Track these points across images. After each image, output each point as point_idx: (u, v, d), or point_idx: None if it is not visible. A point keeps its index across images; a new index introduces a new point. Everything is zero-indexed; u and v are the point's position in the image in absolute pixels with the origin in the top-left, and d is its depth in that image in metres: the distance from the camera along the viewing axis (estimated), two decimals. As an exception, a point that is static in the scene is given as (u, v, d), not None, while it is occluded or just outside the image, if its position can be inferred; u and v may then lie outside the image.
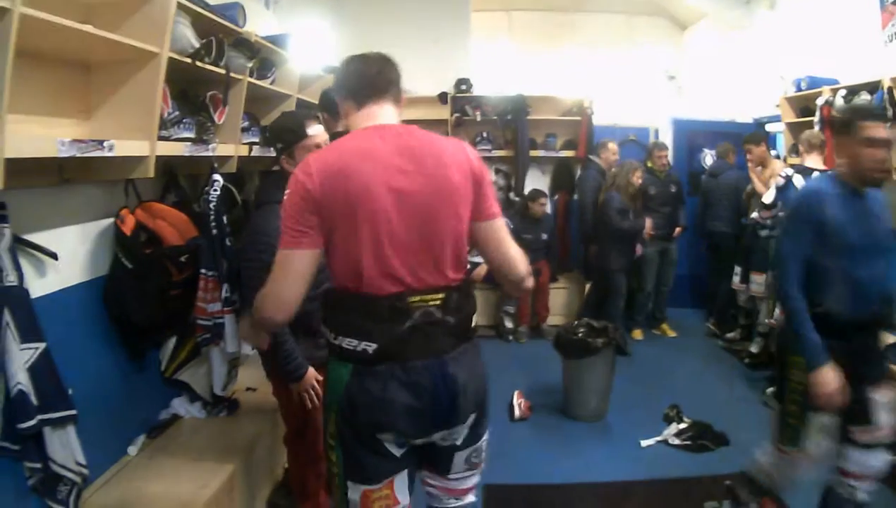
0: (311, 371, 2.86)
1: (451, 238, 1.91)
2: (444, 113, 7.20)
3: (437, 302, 1.88)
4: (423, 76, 6.18)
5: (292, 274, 1.83)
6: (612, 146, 6.75)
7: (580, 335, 4.72)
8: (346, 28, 5.54)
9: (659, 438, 4.38)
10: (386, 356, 1.85)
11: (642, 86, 7.97)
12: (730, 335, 6.46)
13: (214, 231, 3.26)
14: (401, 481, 2.01)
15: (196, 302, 3.23)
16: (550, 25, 7.93)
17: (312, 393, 2.86)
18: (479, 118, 7.30)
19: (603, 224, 6.19)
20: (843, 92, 5.00)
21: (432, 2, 7.20)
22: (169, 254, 3.12)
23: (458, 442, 2.04)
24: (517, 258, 2.04)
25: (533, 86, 7.38)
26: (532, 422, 4.75)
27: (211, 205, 3.28)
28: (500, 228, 2.03)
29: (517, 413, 4.74)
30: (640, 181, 6.16)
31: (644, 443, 4.34)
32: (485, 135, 7.42)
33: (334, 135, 2.78)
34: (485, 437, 2.14)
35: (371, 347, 1.85)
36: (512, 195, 7.31)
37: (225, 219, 3.35)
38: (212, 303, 3.25)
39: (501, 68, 7.61)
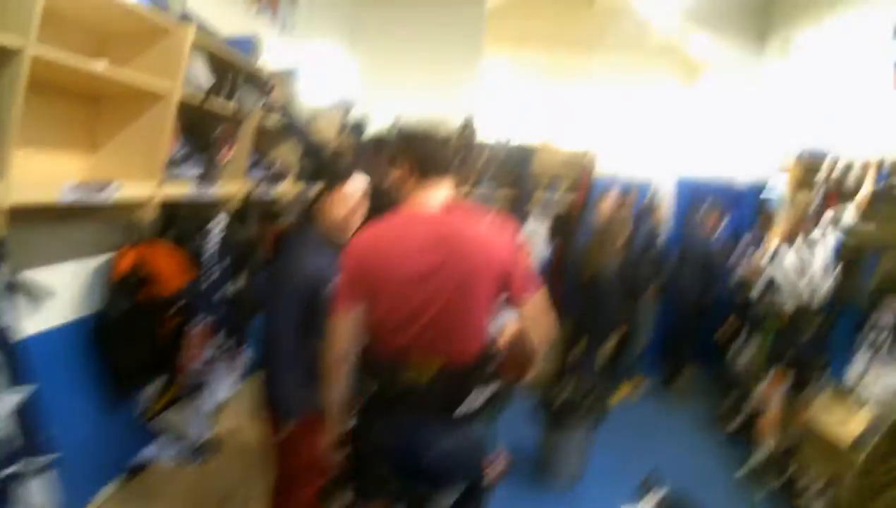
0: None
1: (464, 318, 2.11)
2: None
3: (428, 377, 2.08)
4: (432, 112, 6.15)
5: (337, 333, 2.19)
6: (612, 195, 6.43)
7: (565, 396, 4.42)
8: (358, 56, 5.55)
9: (635, 508, 4.24)
10: (379, 401, 2.15)
11: (647, 139, 7.96)
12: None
13: (215, 274, 3.18)
14: None
15: (188, 347, 3.13)
16: (557, 65, 7.95)
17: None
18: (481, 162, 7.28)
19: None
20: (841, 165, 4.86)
21: (445, 37, 7.30)
22: (161, 305, 3.00)
23: None
24: (531, 348, 2.31)
25: (536, 132, 7.45)
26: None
27: (213, 247, 3.21)
28: (525, 315, 2.29)
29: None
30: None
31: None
32: (486, 175, 7.37)
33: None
34: None
35: (370, 390, 2.16)
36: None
37: (228, 260, 3.27)
38: (205, 349, 3.17)
39: (506, 108, 7.70)
